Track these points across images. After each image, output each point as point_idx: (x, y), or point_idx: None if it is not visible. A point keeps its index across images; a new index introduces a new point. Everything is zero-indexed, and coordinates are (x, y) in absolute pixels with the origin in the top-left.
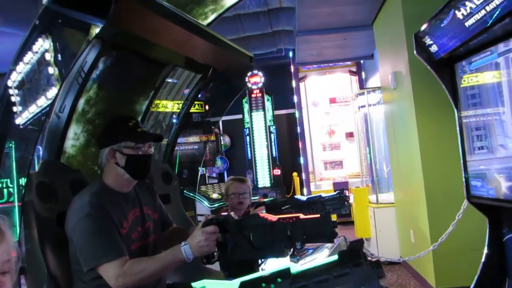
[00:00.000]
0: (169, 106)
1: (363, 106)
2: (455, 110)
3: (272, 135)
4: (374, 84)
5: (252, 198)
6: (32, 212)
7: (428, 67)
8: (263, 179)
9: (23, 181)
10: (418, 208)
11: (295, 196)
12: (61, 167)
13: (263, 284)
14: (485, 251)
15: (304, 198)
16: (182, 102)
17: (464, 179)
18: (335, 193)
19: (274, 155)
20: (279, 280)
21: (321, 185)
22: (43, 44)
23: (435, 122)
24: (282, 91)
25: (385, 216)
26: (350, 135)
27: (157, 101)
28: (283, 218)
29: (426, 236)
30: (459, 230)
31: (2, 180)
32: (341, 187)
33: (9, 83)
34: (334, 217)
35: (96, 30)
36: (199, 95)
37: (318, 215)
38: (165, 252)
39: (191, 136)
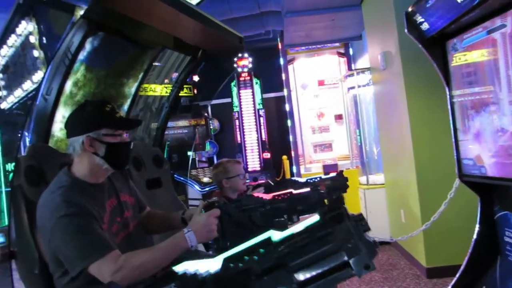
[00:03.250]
0: (158, 90)
1: (352, 88)
2: (446, 89)
3: (261, 118)
4: (362, 65)
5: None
6: (21, 197)
7: (419, 46)
8: (253, 163)
9: (9, 166)
10: (408, 188)
11: (292, 178)
12: (50, 150)
13: (245, 257)
14: (477, 229)
15: (302, 179)
16: (171, 85)
17: (456, 159)
18: (335, 174)
19: (263, 139)
20: (261, 250)
21: (311, 168)
22: (26, 27)
23: (426, 102)
24: (270, 73)
25: (375, 197)
26: (339, 117)
27: (145, 85)
28: (278, 195)
29: (417, 216)
30: (450, 209)
31: None
32: (330, 170)
33: None
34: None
35: (81, 10)
36: (188, 79)
37: (309, 188)
38: (165, 242)
39: (180, 120)
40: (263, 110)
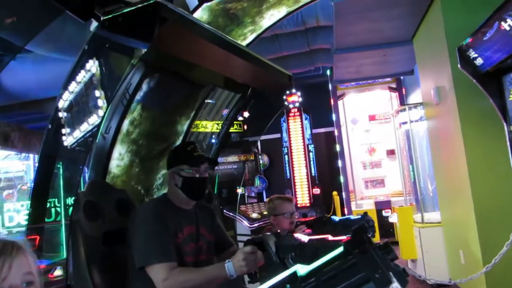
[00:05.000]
0: (209, 126)
1: (404, 123)
2: (505, 125)
3: (310, 153)
4: (415, 100)
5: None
6: (79, 231)
7: (474, 81)
8: (303, 198)
9: (69, 200)
10: (467, 228)
11: (331, 217)
12: (107, 186)
13: None
14: None
15: (336, 218)
16: (222, 122)
17: None
18: (360, 216)
19: (313, 174)
20: (287, 286)
21: (362, 204)
22: (90, 69)
23: (483, 137)
24: (320, 109)
25: (431, 236)
26: (391, 152)
27: (197, 122)
28: (313, 239)
29: (477, 257)
30: None
31: (50, 200)
32: (383, 206)
33: (59, 105)
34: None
35: (140, 53)
36: (238, 115)
37: (344, 237)
38: (211, 266)
39: (230, 156)
40: (312, 146)
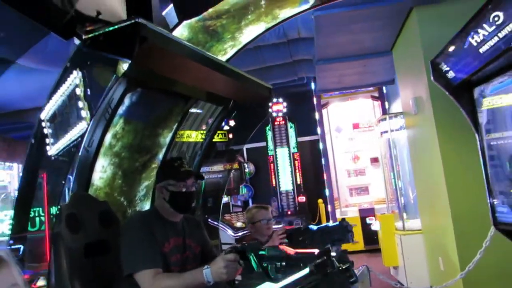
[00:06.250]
0: (193, 135)
1: (386, 132)
2: (476, 135)
3: (296, 162)
4: (398, 108)
5: (277, 226)
6: (61, 243)
7: (447, 93)
8: (288, 206)
9: (53, 210)
10: (445, 235)
11: (309, 226)
12: (90, 199)
13: None
14: None
15: (315, 227)
16: (205, 132)
17: (489, 206)
18: (337, 223)
19: (298, 182)
20: None
21: (347, 211)
22: (74, 80)
23: (459, 147)
24: (305, 118)
25: (412, 243)
26: (375, 160)
27: (181, 132)
28: (299, 252)
29: (455, 264)
30: (489, 257)
31: (35, 209)
32: (367, 214)
33: (42, 116)
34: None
35: (122, 69)
36: (222, 125)
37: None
38: (190, 272)
39: (215, 165)
40: (298, 154)
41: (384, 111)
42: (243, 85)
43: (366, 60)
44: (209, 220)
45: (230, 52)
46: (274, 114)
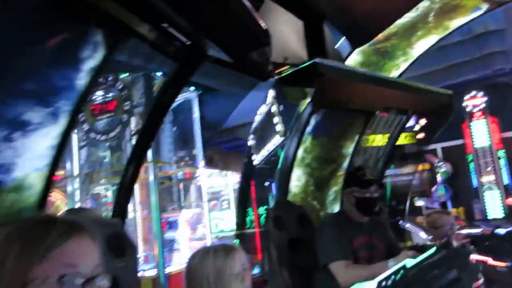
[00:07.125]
0: (378, 138)
1: None
2: None
3: (501, 159)
4: None
5: (478, 230)
6: (270, 238)
7: None
8: (493, 210)
9: (260, 211)
10: None
11: (495, 230)
12: (289, 204)
13: (392, 276)
14: None
15: (503, 231)
16: (388, 135)
17: None
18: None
19: (505, 182)
20: (401, 271)
21: None
22: (271, 105)
23: None
24: (510, 110)
25: None
26: None
27: (366, 136)
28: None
29: None
30: None
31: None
32: None
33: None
34: None
35: (308, 96)
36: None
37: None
38: (377, 264)
39: (403, 167)
40: (503, 150)
41: None
42: (420, 96)
43: None
44: (400, 222)
45: (403, 66)
46: (471, 110)
